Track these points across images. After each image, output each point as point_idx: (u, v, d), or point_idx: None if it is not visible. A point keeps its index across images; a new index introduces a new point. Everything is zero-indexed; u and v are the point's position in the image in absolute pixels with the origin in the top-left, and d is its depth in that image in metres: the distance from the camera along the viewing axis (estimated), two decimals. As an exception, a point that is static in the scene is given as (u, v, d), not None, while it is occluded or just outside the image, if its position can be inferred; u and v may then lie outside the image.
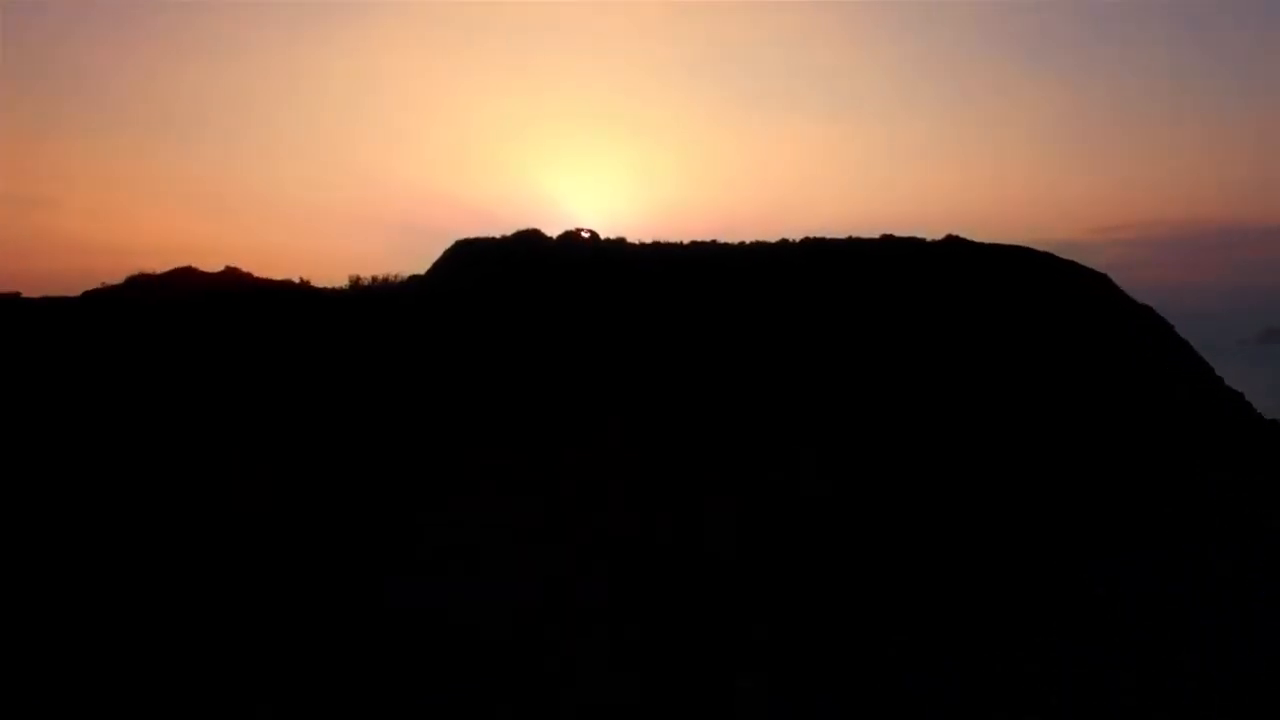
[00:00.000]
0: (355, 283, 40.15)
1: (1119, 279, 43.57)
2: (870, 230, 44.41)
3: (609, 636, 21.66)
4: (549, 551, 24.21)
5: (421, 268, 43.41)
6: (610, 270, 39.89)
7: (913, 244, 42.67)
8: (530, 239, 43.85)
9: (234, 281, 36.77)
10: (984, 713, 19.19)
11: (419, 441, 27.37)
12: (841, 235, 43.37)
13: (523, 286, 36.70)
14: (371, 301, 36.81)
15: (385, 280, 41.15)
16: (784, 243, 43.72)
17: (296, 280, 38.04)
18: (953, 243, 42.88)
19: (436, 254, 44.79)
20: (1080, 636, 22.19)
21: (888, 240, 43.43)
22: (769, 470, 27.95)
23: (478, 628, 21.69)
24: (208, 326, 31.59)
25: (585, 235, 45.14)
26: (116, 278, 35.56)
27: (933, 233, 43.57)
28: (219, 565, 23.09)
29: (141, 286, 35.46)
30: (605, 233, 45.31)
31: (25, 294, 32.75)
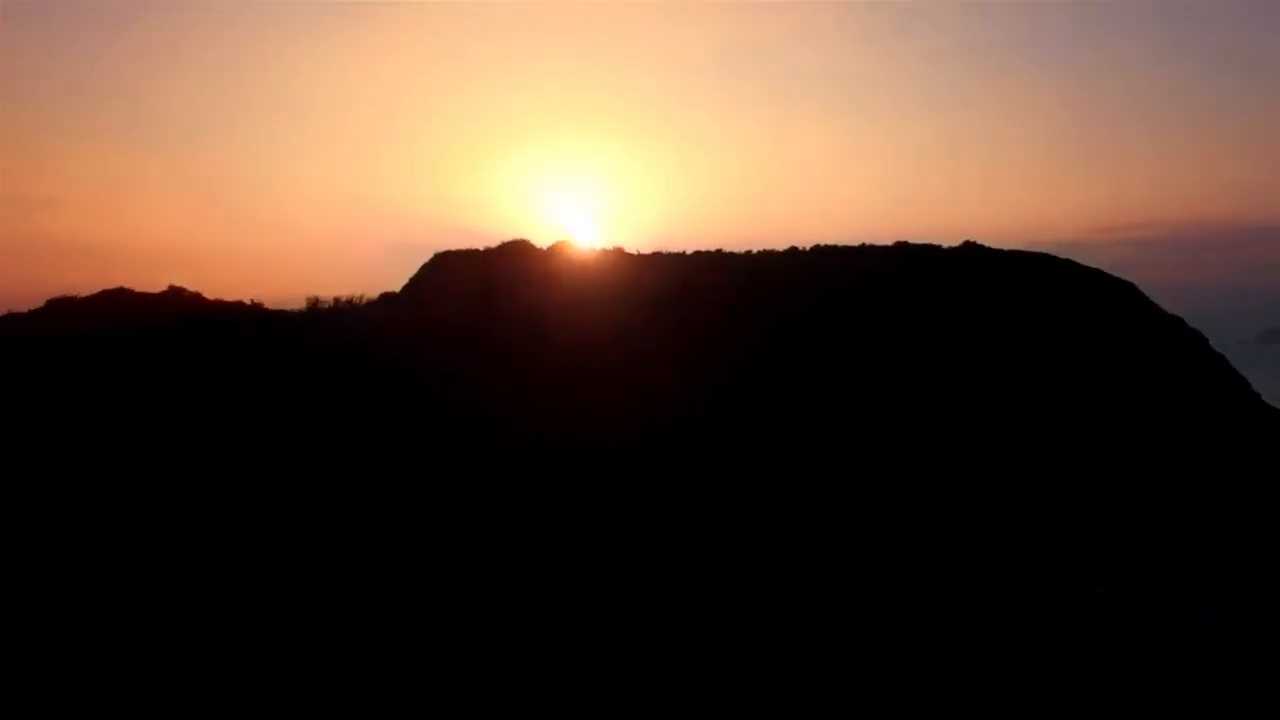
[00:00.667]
0: (314, 304, 36.43)
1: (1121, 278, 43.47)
2: (878, 233, 43.95)
3: (609, 637, 21.67)
4: (552, 555, 24.22)
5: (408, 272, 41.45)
6: (604, 283, 38.32)
7: (928, 251, 41.84)
8: (517, 250, 41.85)
9: (174, 305, 31.68)
10: (984, 713, 19.17)
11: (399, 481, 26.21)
12: (853, 242, 42.62)
13: (508, 302, 34.52)
14: (330, 330, 32.11)
15: (349, 301, 37.96)
16: (793, 250, 42.90)
17: (248, 301, 33.98)
18: (970, 249, 42.03)
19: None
20: (1080, 636, 22.19)
21: (902, 248, 42.50)
22: (769, 470, 27.96)
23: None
24: (131, 367, 27.01)
25: (578, 246, 43.23)
26: (112, 282, 32.48)
27: (937, 230, 43.37)
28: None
29: (62, 311, 30.33)
30: (601, 243, 43.98)
31: (22, 296, 30.03)
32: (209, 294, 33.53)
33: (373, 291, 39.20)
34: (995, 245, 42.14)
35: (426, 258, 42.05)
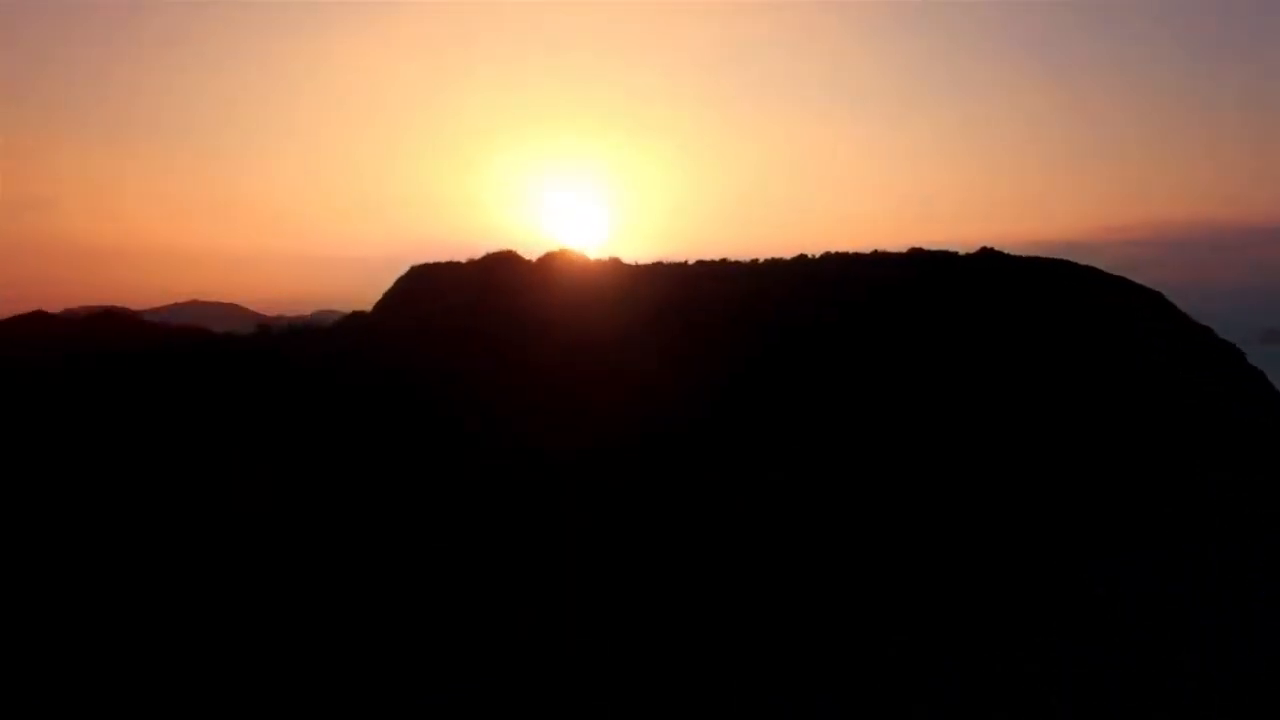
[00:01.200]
0: (264, 330, 34.88)
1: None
2: (880, 234, 43.78)
3: (609, 637, 21.67)
4: (552, 555, 24.24)
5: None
6: (600, 296, 36.57)
7: (944, 258, 41.09)
8: (502, 263, 39.84)
9: (107, 330, 28.31)
10: (984, 713, 19.16)
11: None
12: (859, 248, 41.90)
13: (489, 321, 32.50)
14: (281, 359, 29.86)
15: (306, 323, 36.34)
16: (801, 258, 42.05)
17: (195, 327, 32.40)
18: (988, 256, 41.28)
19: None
20: (1080, 636, 22.17)
21: (916, 254, 41.71)
22: (770, 470, 27.96)
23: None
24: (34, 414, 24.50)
25: (572, 257, 41.30)
26: (107, 283, 31.28)
27: (939, 231, 43.21)
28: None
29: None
30: (598, 252, 42.38)
31: (17, 299, 27.81)
32: (205, 297, 32.65)
33: (348, 302, 38.21)
34: (997, 247, 41.96)
35: (407, 269, 40.58)
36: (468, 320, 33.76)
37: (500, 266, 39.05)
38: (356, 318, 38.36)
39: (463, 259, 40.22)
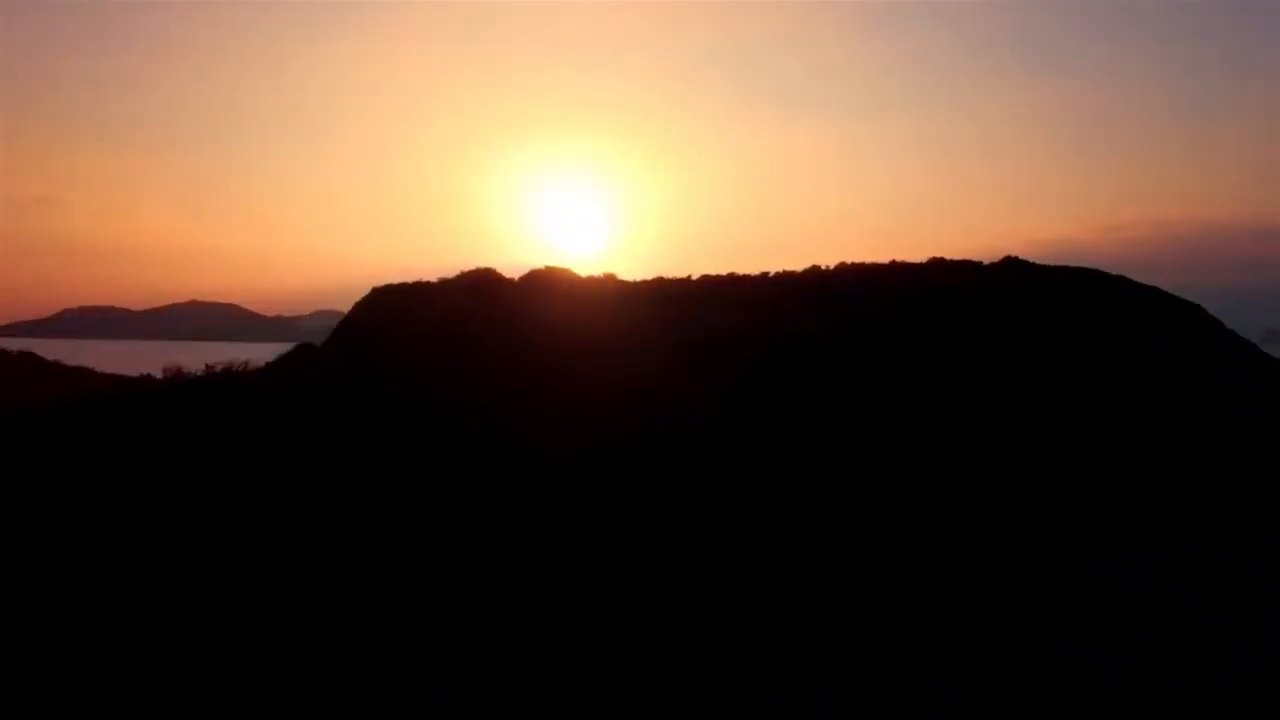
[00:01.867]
0: (175, 374, 31.65)
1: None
2: (891, 241, 43.35)
3: (609, 637, 21.69)
4: (553, 555, 24.26)
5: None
6: (597, 318, 34.56)
7: (966, 267, 40.34)
8: (479, 281, 37.09)
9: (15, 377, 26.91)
10: (984, 713, 19.15)
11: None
12: (883, 260, 40.75)
13: (467, 345, 30.68)
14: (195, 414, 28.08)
15: (230, 369, 32.54)
16: (814, 269, 40.85)
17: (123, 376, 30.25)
18: (1011, 264, 40.61)
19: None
20: (1080, 636, 22.16)
21: (937, 264, 40.83)
22: (769, 470, 27.99)
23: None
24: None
25: (560, 274, 38.46)
26: (109, 282, 30.21)
27: (942, 233, 43.05)
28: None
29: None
30: (592, 266, 39.54)
31: (19, 299, 26.46)
32: (205, 297, 31.72)
33: (348, 303, 36.30)
34: (1000, 249, 41.87)
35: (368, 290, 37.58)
36: (458, 329, 33.13)
37: (473, 286, 36.58)
38: (303, 349, 35.75)
39: (460, 262, 39.02)
